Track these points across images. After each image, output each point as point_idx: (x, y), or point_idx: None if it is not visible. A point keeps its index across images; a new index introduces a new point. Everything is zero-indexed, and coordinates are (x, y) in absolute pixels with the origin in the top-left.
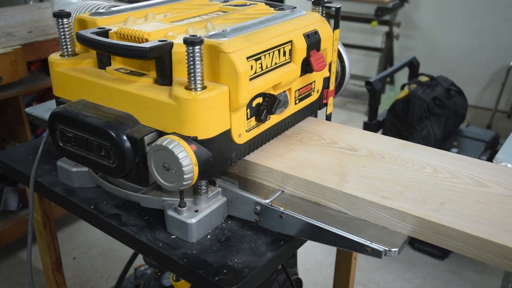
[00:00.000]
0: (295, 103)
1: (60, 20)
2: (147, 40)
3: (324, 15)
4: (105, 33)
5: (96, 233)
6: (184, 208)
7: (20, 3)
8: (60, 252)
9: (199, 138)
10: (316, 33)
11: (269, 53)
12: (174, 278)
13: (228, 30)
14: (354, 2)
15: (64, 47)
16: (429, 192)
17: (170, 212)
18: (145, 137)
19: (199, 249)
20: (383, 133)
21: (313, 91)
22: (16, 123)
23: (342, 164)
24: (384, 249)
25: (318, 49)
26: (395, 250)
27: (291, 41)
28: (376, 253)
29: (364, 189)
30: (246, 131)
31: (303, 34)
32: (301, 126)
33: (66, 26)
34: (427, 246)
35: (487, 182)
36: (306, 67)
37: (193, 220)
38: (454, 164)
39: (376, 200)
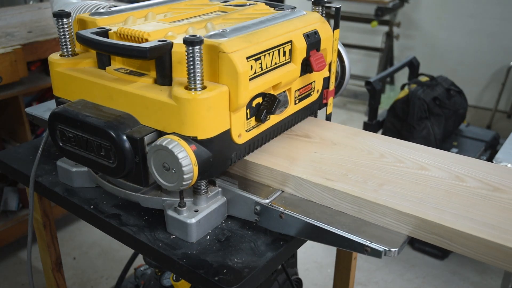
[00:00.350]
0: (295, 103)
1: (60, 20)
2: (147, 40)
3: (324, 15)
4: (105, 33)
5: (96, 233)
6: (184, 208)
7: (20, 3)
8: (60, 252)
9: (199, 138)
10: (316, 33)
11: (269, 53)
12: (174, 278)
13: (228, 30)
14: (354, 2)
15: (64, 47)
16: (371, 174)
17: (170, 212)
18: (145, 137)
19: (199, 249)
20: (383, 133)
21: (313, 91)
22: (16, 123)
23: (295, 150)
24: (384, 249)
25: (318, 49)
26: (395, 250)
27: (291, 41)
28: (376, 253)
29: (310, 172)
30: (246, 131)
31: (303, 34)
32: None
33: (66, 26)
34: (427, 246)
35: (428, 166)
36: (306, 67)
37: (193, 220)
38: (401, 150)
39: (321, 182)
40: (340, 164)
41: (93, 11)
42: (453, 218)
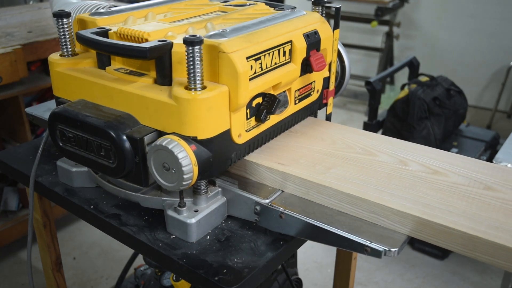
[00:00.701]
0: (295, 103)
1: (60, 20)
2: (147, 40)
3: (324, 15)
4: (105, 33)
5: (96, 233)
6: (184, 208)
7: (20, 3)
8: (60, 252)
9: (199, 138)
10: (316, 33)
11: (269, 53)
12: (174, 278)
13: (228, 30)
14: (354, 2)
15: (64, 47)
16: (321, 159)
17: (170, 212)
18: (145, 137)
19: (199, 249)
20: (383, 133)
21: (313, 91)
22: (16, 123)
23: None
24: (384, 249)
25: (318, 49)
26: (395, 250)
27: (291, 41)
28: (376, 253)
29: (265, 157)
30: (246, 131)
31: (303, 34)
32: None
33: (66, 26)
34: (427, 246)
35: (376, 152)
36: (306, 67)
37: (193, 220)
38: (353, 137)
39: (273, 166)
40: (294, 150)
41: (93, 11)
42: (390, 197)
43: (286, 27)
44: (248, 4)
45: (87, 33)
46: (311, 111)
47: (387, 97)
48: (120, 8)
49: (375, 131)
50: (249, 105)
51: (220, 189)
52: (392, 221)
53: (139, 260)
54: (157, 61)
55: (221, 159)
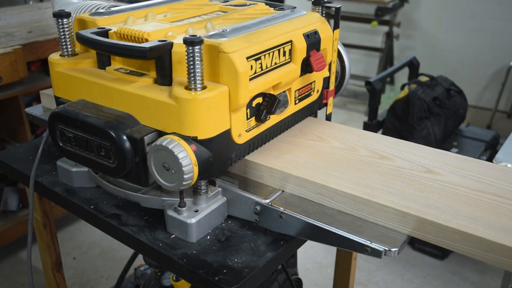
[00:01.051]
0: (295, 103)
1: (60, 20)
2: (147, 40)
3: (324, 15)
4: (105, 33)
5: (96, 233)
6: (184, 208)
7: (20, 3)
8: (60, 252)
9: (199, 138)
10: (316, 33)
11: (269, 53)
12: (174, 278)
13: (228, 30)
14: (354, 2)
15: (64, 47)
16: (277, 145)
17: (170, 212)
18: (145, 137)
19: (199, 249)
20: (383, 133)
21: (313, 91)
22: (16, 123)
23: None
24: (384, 249)
25: (318, 49)
26: (395, 250)
27: (291, 41)
28: (376, 253)
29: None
30: (246, 131)
31: (303, 34)
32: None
33: (66, 26)
34: (427, 246)
35: (329, 139)
36: (306, 67)
37: (193, 220)
38: (311, 126)
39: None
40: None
41: (93, 11)
42: (335, 179)
43: (286, 27)
44: (248, 4)
45: (87, 33)
46: (311, 111)
47: (387, 97)
48: (120, 8)
49: (375, 131)
50: (249, 105)
51: (220, 189)
52: (336, 201)
53: (139, 260)
54: (157, 61)
55: (221, 159)
